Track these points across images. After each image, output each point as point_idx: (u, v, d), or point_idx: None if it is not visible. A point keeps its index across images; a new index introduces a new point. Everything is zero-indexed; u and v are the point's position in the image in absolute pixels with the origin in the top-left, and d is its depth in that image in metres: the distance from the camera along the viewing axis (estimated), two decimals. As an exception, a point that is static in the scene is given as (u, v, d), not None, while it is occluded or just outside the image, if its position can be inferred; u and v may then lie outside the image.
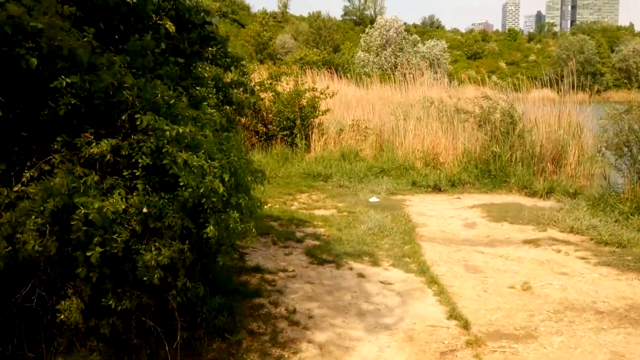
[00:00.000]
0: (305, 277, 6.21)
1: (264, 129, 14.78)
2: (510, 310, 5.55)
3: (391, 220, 8.58)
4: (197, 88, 5.28)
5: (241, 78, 6.87)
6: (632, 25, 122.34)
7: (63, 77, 3.34)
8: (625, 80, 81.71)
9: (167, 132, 3.34)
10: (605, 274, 6.57)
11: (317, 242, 7.46)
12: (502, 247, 7.64)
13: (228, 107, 6.21)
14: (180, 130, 3.37)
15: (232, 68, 6.04)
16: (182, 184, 3.32)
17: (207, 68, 6.42)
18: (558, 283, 6.27)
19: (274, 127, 14.58)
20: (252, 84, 12.22)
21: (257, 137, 14.72)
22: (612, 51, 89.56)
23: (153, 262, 3.28)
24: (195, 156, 3.38)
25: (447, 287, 6.10)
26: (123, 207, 3.21)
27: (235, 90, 6.43)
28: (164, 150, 3.31)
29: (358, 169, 12.60)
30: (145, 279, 3.36)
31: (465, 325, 5.13)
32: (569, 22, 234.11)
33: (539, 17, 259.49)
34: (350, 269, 6.55)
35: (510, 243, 7.85)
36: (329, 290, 5.89)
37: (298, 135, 14.12)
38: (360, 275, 6.33)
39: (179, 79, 5.09)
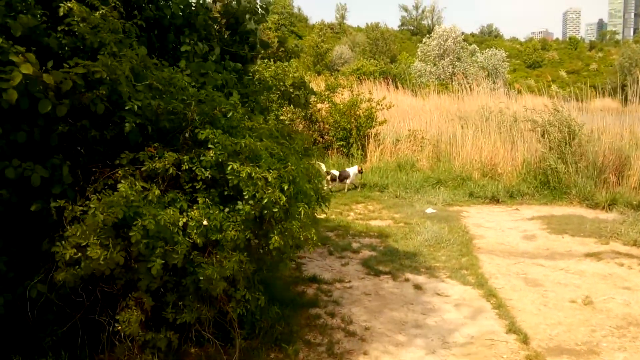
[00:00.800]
0: (362, 288, 6.25)
1: (321, 139, 14.93)
2: (571, 325, 5.45)
3: (448, 232, 8.53)
4: (256, 97, 5.44)
5: (301, 80, 7.05)
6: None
7: (134, 100, 3.52)
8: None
9: (229, 147, 3.44)
10: (671, 289, 6.35)
11: (373, 253, 7.49)
12: (562, 260, 7.49)
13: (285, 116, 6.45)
14: (242, 144, 3.47)
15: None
16: (246, 196, 3.41)
17: (268, 68, 6.68)
18: (621, 297, 6.11)
19: (330, 137, 14.71)
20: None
21: (314, 146, 14.85)
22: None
23: (215, 274, 3.36)
24: (257, 167, 3.47)
25: (506, 300, 6.03)
26: (183, 220, 3.31)
27: (296, 92, 6.62)
28: (228, 166, 3.42)
29: (414, 179, 12.57)
30: (209, 290, 3.44)
31: (525, 340, 5.07)
32: (632, 29, 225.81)
33: (601, 25, 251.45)
34: (407, 280, 6.55)
35: (571, 256, 7.68)
36: (385, 301, 5.91)
37: (354, 145, 14.21)
38: (417, 287, 6.33)
39: (242, 85, 5.28)
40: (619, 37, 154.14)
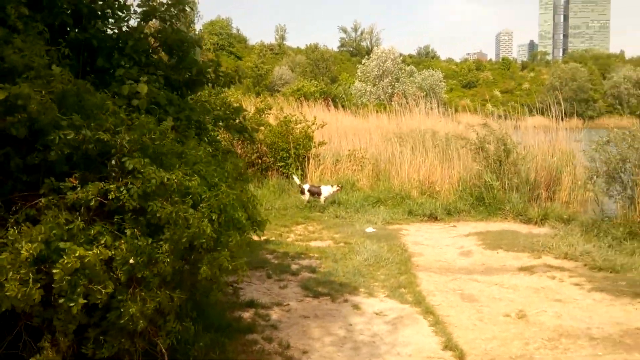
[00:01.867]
0: (300, 311, 6.20)
1: (259, 161, 14.88)
2: (506, 339, 5.55)
3: (387, 251, 8.59)
4: (191, 120, 5.36)
5: (235, 106, 7.00)
6: (622, 52, 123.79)
7: (57, 130, 3.39)
8: (618, 107, 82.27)
9: (153, 180, 3.35)
10: (599, 300, 6.58)
11: (312, 275, 7.46)
12: (497, 275, 7.65)
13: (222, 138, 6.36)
14: (166, 178, 3.39)
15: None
16: (167, 234, 3.33)
17: (206, 93, 6.57)
18: (553, 310, 6.28)
19: (269, 159, 14.68)
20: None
21: (252, 168, 14.81)
22: (604, 78, 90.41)
23: (137, 312, 3.25)
24: (181, 204, 3.39)
25: (443, 317, 6.10)
26: (109, 254, 3.20)
27: (231, 117, 6.56)
28: (149, 203, 3.33)
29: (354, 199, 12.64)
30: (129, 327, 3.32)
31: (461, 356, 5.14)
32: (561, 50, 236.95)
33: (532, 46, 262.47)
34: (346, 301, 6.55)
35: (506, 271, 7.87)
36: (324, 323, 5.88)
37: (293, 165, 14.20)
38: (356, 307, 6.33)
39: (179, 108, 5.19)
40: (549, 57, 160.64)
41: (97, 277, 3.18)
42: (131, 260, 3.31)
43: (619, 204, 9.48)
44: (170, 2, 5.57)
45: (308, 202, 12.23)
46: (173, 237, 3.34)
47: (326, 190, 12.20)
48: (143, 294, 3.38)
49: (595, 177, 9.88)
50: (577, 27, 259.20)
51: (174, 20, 5.61)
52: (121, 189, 3.46)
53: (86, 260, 3.08)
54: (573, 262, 8.06)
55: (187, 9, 5.77)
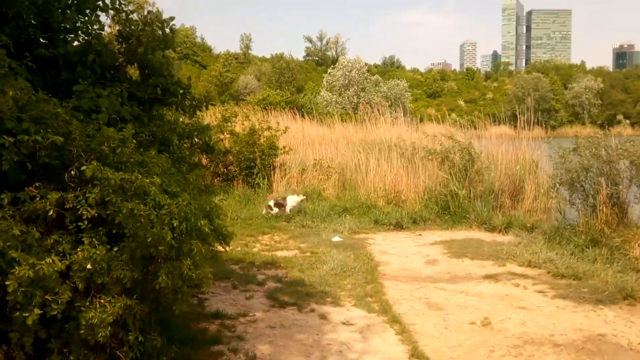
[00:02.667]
0: (267, 321, 6.14)
1: (224, 170, 14.76)
2: (471, 346, 5.58)
3: (354, 260, 8.58)
4: (158, 135, 5.30)
5: (199, 122, 6.92)
6: (583, 63, 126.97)
7: (5, 136, 3.29)
8: (580, 115, 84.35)
9: (112, 181, 3.28)
10: (563, 307, 6.68)
11: (278, 285, 7.40)
12: (462, 283, 7.71)
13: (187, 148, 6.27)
14: (126, 179, 3.32)
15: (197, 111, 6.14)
16: (127, 234, 3.25)
17: (170, 113, 6.46)
18: (517, 317, 6.34)
19: (235, 168, 14.57)
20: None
21: (218, 178, 14.69)
22: (566, 88, 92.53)
23: (97, 320, 3.17)
24: (142, 204, 3.33)
25: (409, 325, 6.10)
26: (66, 262, 3.11)
27: (199, 136, 6.50)
28: (107, 200, 3.26)
29: (321, 208, 12.62)
30: (89, 338, 3.24)
31: (427, 364, 5.13)
32: (524, 61, 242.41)
33: (495, 56, 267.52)
34: (312, 310, 6.51)
35: (471, 279, 7.93)
36: (291, 333, 5.83)
37: (259, 175, 14.12)
38: (322, 317, 6.29)
39: (143, 124, 5.12)
40: (512, 67, 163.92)
41: (53, 286, 3.08)
42: (88, 266, 3.24)
43: (581, 212, 9.66)
44: (144, 25, 5.53)
45: (277, 215, 12.13)
46: (132, 245, 3.26)
47: (292, 200, 12.18)
48: (102, 301, 3.30)
49: (558, 186, 10.05)
50: (539, 38, 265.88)
51: (143, 40, 5.56)
52: (79, 198, 3.38)
53: (40, 270, 2.99)
54: (536, 270, 8.17)
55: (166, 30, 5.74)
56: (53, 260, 3.08)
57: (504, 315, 6.43)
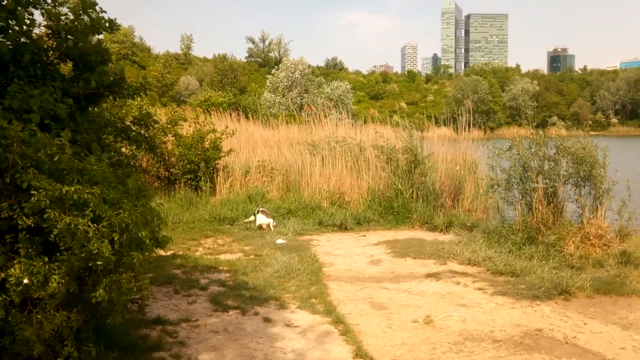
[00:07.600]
0: (210, 326, 6.05)
1: (166, 173, 14.49)
2: (414, 344, 5.66)
3: (298, 262, 8.56)
4: (91, 135, 5.13)
5: (142, 114, 6.76)
6: (518, 66, 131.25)
7: None
8: (517, 117, 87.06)
9: (49, 192, 3.15)
10: (501, 303, 6.85)
11: (222, 289, 7.31)
12: (405, 282, 7.81)
13: (126, 149, 6.09)
14: (64, 191, 3.19)
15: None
16: (62, 248, 3.13)
17: (108, 106, 6.26)
18: (458, 315, 6.47)
19: (177, 171, 14.31)
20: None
21: (159, 181, 14.40)
22: (503, 91, 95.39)
23: (34, 337, 3.05)
24: (80, 218, 3.20)
25: (353, 325, 6.14)
26: (2, 276, 2.98)
27: (136, 127, 6.34)
28: (45, 215, 3.12)
29: (265, 210, 12.53)
30: (25, 352, 3.11)
31: (371, 363, 5.17)
32: (463, 63, 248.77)
33: (435, 59, 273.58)
34: (256, 314, 6.45)
35: (414, 278, 8.05)
36: (234, 337, 5.76)
37: (203, 178, 13.91)
38: (267, 320, 6.25)
39: (75, 122, 4.94)
40: (452, 70, 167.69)
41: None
42: (25, 280, 3.10)
43: (517, 210, 9.94)
44: (76, 16, 5.32)
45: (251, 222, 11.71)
46: (70, 258, 3.14)
47: (264, 219, 11.50)
48: (39, 316, 3.17)
49: (496, 185, 10.31)
50: (478, 42, 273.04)
51: (74, 34, 5.36)
52: (14, 207, 3.23)
53: None
54: (476, 268, 8.37)
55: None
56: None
57: (445, 312, 6.55)
